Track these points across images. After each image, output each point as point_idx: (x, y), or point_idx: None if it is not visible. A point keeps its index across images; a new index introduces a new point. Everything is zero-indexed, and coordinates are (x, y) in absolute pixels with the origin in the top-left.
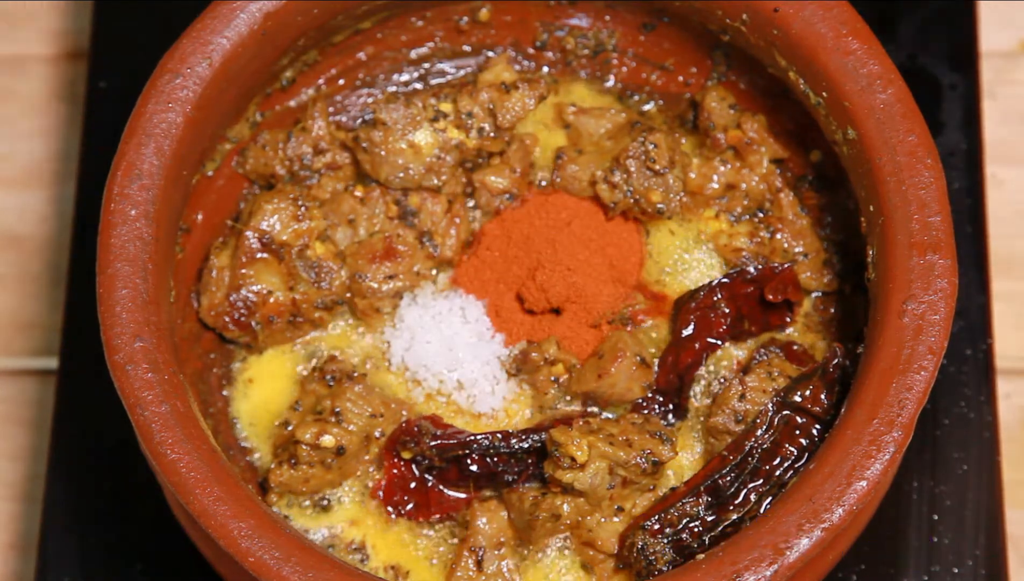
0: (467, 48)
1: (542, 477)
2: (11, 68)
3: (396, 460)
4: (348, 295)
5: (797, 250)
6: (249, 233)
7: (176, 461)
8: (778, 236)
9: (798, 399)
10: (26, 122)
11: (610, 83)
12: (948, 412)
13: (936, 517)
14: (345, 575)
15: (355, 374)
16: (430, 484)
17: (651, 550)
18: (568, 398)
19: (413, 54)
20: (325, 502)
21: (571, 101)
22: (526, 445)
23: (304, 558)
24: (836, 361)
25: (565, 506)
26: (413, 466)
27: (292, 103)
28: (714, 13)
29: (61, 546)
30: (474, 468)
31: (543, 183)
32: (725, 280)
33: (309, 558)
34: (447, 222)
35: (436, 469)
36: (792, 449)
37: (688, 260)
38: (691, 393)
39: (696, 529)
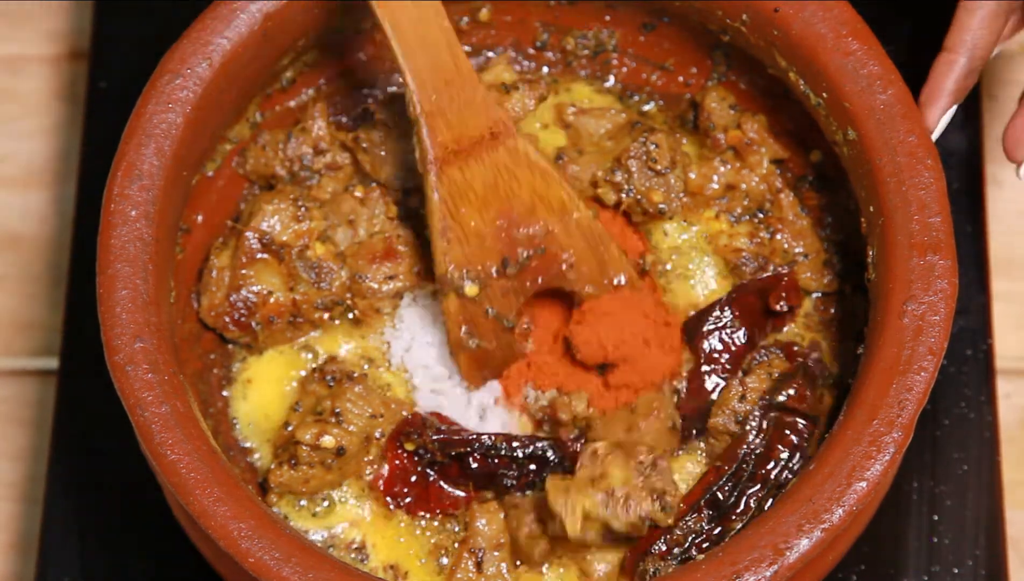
0: (467, 48)
1: (542, 484)
2: (11, 68)
3: (399, 451)
4: (348, 295)
5: (797, 250)
6: (249, 233)
7: (176, 462)
8: (778, 236)
9: (783, 399)
10: (26, 122)
11: (610, 83)
12: (948, 412)
13: (936, 517)
14: (345, 575)
15: (355, 375)
16: (431, 479)
17: (663, 573)
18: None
19: None
20: (325, 503)
21: (571, 101)
22: (528, 451)
23: (304, 558)
24: (815, 356)
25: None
26: (416, 458)
27: (292, 103)
28: (714, 13)
29: (61, 546)
30: (475, 466)
31: None
32: (733, 295)
33: (309, 558)
34: None
35: (437, 464)
36: (784, 450)
37: (690, 261)
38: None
39: (703, 544)
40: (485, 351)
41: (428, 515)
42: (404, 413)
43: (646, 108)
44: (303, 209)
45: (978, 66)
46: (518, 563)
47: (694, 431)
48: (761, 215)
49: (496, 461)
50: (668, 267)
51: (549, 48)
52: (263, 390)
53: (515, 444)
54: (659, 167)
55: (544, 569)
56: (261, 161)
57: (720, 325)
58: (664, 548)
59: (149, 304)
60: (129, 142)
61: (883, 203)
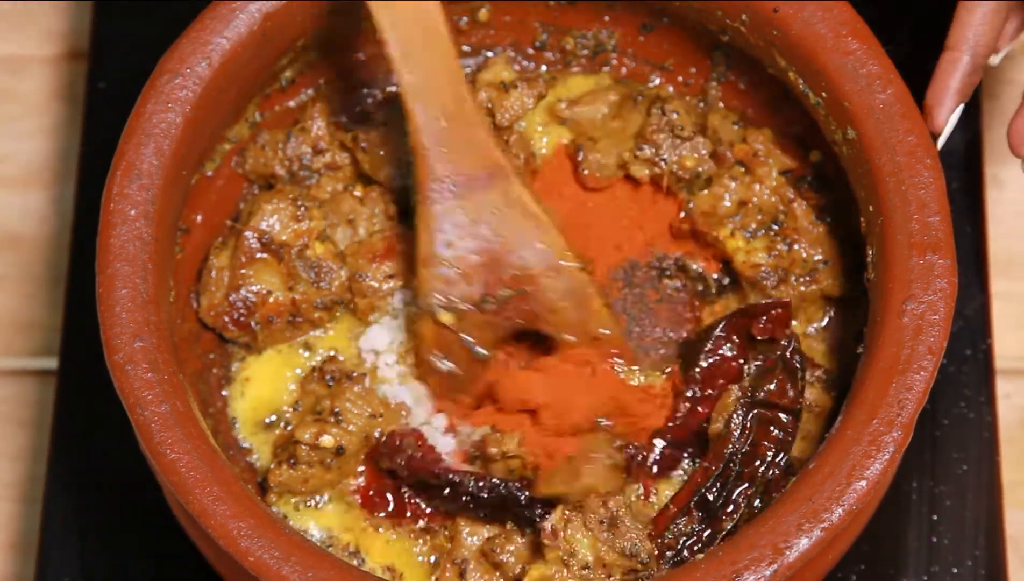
0: (466, 48)
1: (516, 521)
2: (11, 68)
3: (376, 467)
4: (348, 295)
5: (817, 258)
6: (248, 233)
7: (176, 461)
8: (796, 246)
9: (763, 395)
10: (26, 122)
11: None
12: (948, 412)
13: (936, 517)
14: (345, 575)
15: (354, 374)
16: (407, 495)
17: (657, 577)
18: None
19: None
20: (316, 503)
21: (557, 97)
22: (493, 494)
23: (304, 557)
24: (792, 347)
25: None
26: (392, 476)
27: (292, 103)
28: (714, 13)
29: (61, 546)
30: (445, 495)
31: None
32: (731, 320)
33: (309, 557)
34: None
35: (412, 485)
36: (769, 446)
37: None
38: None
39: (695, 546)
40: (455, 378)
41: (413, 524)
42: (403, 414)
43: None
44: (302, 209)
45: (981, 63)
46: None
47: (684, 454)
48: (776, 227)
49: (465, 498)
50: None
51: (549, 48)
52: (262, 390)
53: (481, 484)
54: (685, 133)
55: None
56: (260, 161)
57: (716, 349)
58: (657, 552)
59: (149, 303)
60: (128, 142)
61: (882, 203)
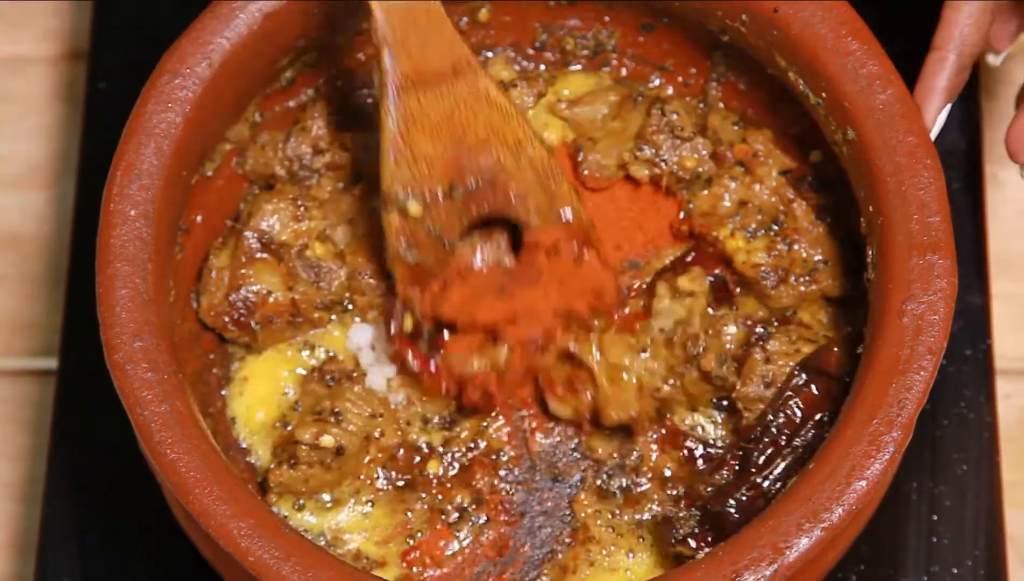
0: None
1: None
2: (11, 68)
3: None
4: (348, 295)
5: (817, 258)
6: (248, 233)
7: (176, 461)
8: (795, 246)
9: (812, 361)
10: (26, 122)
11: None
12: (948, 412)
13: (936, 517)
14: (345, 575)
15: (354, 374)
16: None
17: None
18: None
19: None
20: (328, 503)
21: (557, 97)
22: None
23: (304, 557)
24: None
25: None
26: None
27: (292, 103)
28: (714, 14)
29: (61, 546)
30: None
31: None
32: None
33: (309, 557)
34: None
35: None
36: (813, 411)
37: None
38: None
39: (741, 496)
40: (422, 266)
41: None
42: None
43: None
44: (302, 209)
45: (968, 63)
46: None
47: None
48: (776, 227)
49: None
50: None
51: (548, 48)
52: (262, 390)
53: None
54: (685, 134)
55: None
56: (261, 161)
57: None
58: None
59: (149, 303)
60: (129, 141)
61: (882, 203)
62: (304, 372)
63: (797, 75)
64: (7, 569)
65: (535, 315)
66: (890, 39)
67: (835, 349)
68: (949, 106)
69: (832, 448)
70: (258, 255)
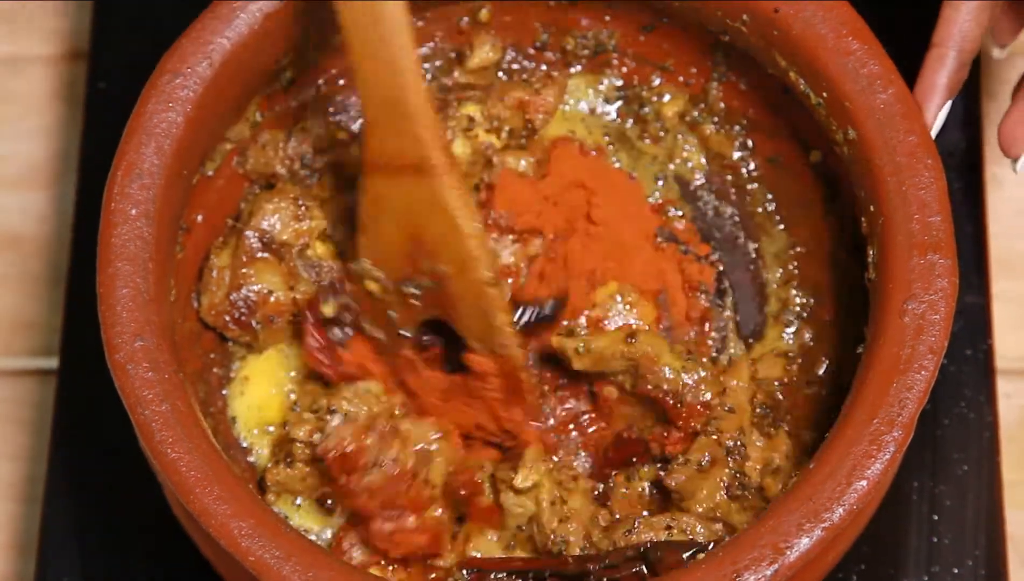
0: (467, 49)
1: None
2: (11, 68)
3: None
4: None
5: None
6: (249, 233)
7: (176, 460)
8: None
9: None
10: (26, 122)
11: (609, 83)
12: (948, 412)
13: (936, 517)
14: (345, 575)
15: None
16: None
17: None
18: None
19: None
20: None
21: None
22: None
23: (304, 557)
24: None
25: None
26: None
27: (292, 103)
28: (714, 14)
29: (61, 546)
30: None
31: None
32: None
33: (309, 557)
34: None
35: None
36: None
37: None
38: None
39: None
40: (380, 342)
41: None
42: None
43: (644, 110)
44: (303, 208)
45: (967, 59)
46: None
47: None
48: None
49: None
50: None
51: (549, 48)
52: (262, 389)
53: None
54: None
55: None
56: (261, 160)
57: None
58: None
59: (149, 303)
60: (129, 141)
61: (883, 203)
62: (304, 371)
63: (798, 75)
64: (7, 569)
65: (466, 421)
66: (890, 39)
67: (684, 556)
68: (950, 103)
69: (833, 448)
70: (259, 254)
